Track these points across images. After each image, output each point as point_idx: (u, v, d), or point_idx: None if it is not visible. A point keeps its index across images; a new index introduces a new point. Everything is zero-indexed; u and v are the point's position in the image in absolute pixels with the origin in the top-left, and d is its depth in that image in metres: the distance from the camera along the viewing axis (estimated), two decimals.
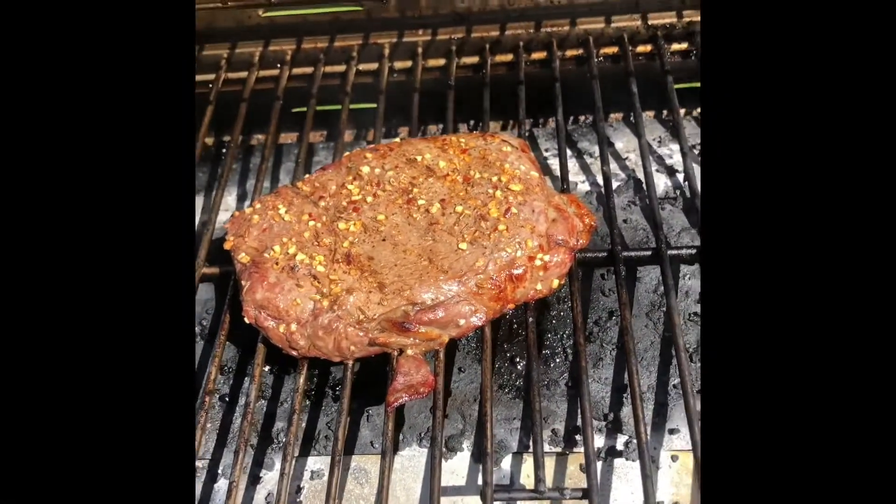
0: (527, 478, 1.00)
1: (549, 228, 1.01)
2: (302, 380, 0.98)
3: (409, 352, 0.97)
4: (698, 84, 1.36)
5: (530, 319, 1.00)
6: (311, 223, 1.04)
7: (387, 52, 1.43)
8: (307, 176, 1.14)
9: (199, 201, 1.38)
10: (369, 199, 1.07)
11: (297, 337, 0.96)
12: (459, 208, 1.04)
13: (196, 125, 1.37)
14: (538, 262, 0.99)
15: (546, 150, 1.39)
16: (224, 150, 1.49)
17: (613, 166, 1.30)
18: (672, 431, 1.00)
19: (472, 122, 1.55)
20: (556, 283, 1.01)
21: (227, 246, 1.05)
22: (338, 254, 1.01)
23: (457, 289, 0.97)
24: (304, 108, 1.36)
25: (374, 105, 1.36)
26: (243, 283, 1.00)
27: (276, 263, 1.00)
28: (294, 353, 0.98)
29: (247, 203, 1.37)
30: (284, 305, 0.97)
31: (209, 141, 1.50)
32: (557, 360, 1.08)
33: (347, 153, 1.16)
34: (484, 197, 1.04)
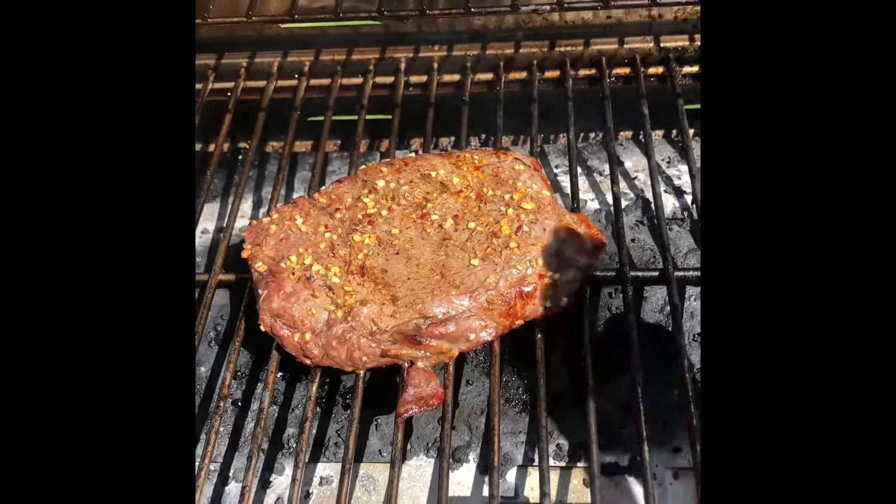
0: (531, 490, 1.02)
1: (559, 247, 1.04)
2: (314, 388, 1.00)
3: (420, 364, 0.99)
4: None
5: (538, 335, 1.03)
6: (327, 234, 1.07)
7: (403, 66, 1.46)
8: (323, 188, 1.17)
9: (216, 207, 1.41)
10: (384, 212, 1.09)
11: (312, 346, 0.99)
12: (472, 224, 1.06)
13: (214, 133, 1.40)
14: (548, 280, 1.02)
15: (556, 167, 1.42)
16: (240, 157, 1.52)
17: (622, 185, 1.33)
18: (676, 450, 1.03)
19: (482, 136, 1.57)
20: (564, 300, 1.04)
21: (244, 254, 1.07)
22: (352, 266, 1.03)
23: (468, 304, 0.99)
24: (320, 118, 1.39)
25: (389, 116, 1.39)
26: (260, 291, 1.02)
27: (293, 273, 1.02)
28: (308, 361, 1.00)
29: (262, 210, 1.39)
30: (300, 315, 0.99)
31: (224, 147, 1.52)
32: (563, 376, 1.10)
33: (363, 166, 1.18)
34: (496, 214, 1.07)
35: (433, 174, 1.13)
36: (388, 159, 1.21)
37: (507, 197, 1.09)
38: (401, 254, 1.05)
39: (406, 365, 1.00)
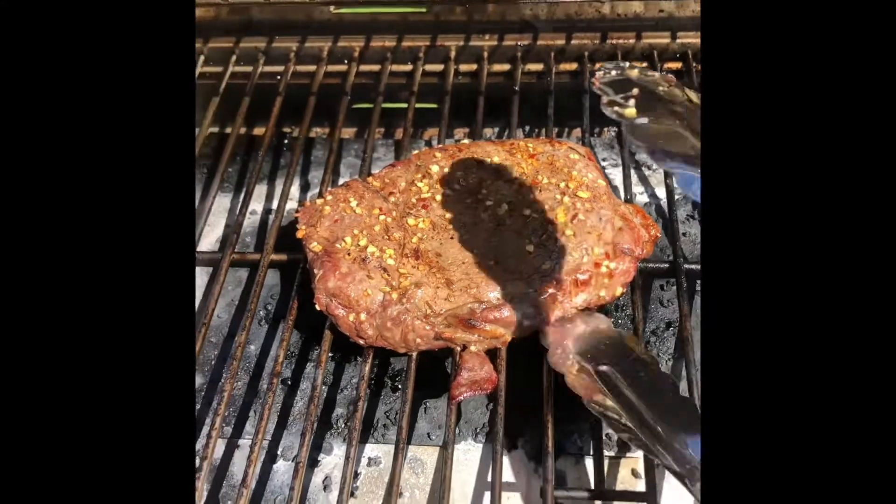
0: (578, 479, 1.02)
1: (615, 237, 1.03)
2: (367, 368, 1.01)
3: (473, 348, 0.99)
4: None
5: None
6: (382, 217, 1.07)
7: (453, 54, 1.46)
8: (376, 172, 1.17)
9: (263, 189, 1.41)
10: (438, 197, 1.09)
11: (366, 326, 0.99)
12: (527, 211, 1.06)
13: (262, 116, 1.41)
14: (604, 269, 1.01)
15: (603, 160, 1.41)
16: (286, 141, 1.52)
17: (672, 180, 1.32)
18: None
19: (527, 128, 1.57)
20: (619, 290, 1.03)
21: (299, 234, 1.08)
22: (407, 248, 1.03)
23: (522, 289, 0.99)
24: (367, 105, 1.40)
25: (435, 105, 1.39)
26: (316, 271, 1.03)
27: (348, 254, 1.03)
28: (361, 341, 1.01)
29: (309, 193, 1.40)
30: (355, 295, 0.99)
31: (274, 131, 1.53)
32: None
33: (416, 152, 1.19)
34: (551, 202, 1.07)
35: (487, 161, 1.13)
36: (441, 145, 1.21)
37: (562, 185, 1.09)
38: (455, 238, 1.05)
39: (459, 349, 1.00)
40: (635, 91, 0.92)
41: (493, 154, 1.14)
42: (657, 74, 0.95)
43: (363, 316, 0.99)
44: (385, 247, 1.03)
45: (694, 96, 0.90)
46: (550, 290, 0.99)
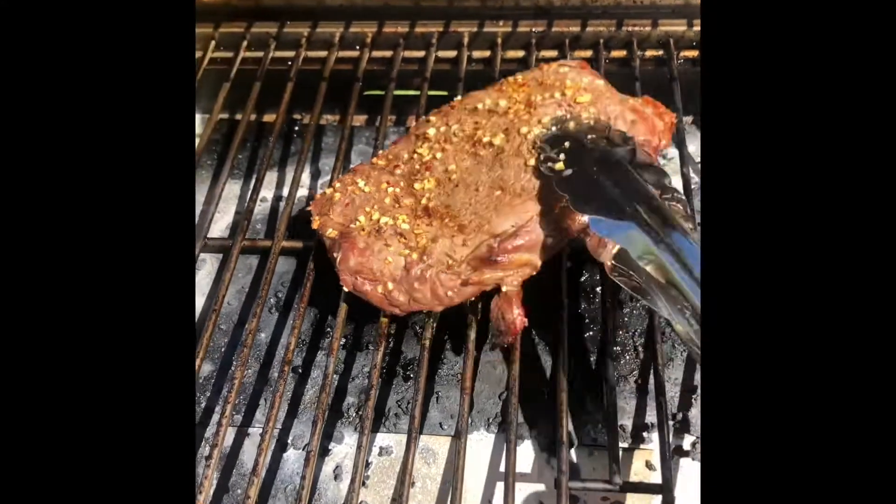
0: (592, 471, 1.00)
1: (629, 131, 1.00)
2: (380, 356, 0.99)
3: (506, 288, 0.96)
4: None
5: (603, 314, 1.01)
6: (391, 189, 1.05)
7: (466, 40, 1.44)
8: (380, 152, 1.16)
9: (273, 176, 1.40)
10: (439, 154, 1.07)
11: (396, 294, 0.97)
12: (524, 129, 1.03)
13: (271, 103, 1.39)
14: None
15: None
16: (296, 128, 1.51)
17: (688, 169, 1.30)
18: None
19: None
20: None
21: (314, 226, 1.06)
22: (418, 211, 1.01)
23: (532, 209, 0.96)
24: (378, 92, 1.38)
25: (446, 93, 1.38)
26: (335, 255, 1.01)
27: (363, 230, 1.01)
28: (396, 310, 0.99)
29: (320, 181, 1.39)
30: (378, 266, 0.98)
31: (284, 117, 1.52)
32: (628, 357, 1.09)
33: (414, 124, 1.17)
34: (551, 116, 1.04)
35: (479, 106, 1.11)
36: (435, 109, 1.18)
37: (558, 96, 1.06)
38: (460, 185, 1.02)
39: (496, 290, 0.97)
40: (566, 144, 1.00)
41: (484, 97, 1.12)
42: (591, 122, 1.03)
43: (390, 285, 0.97)
44: (397, 214, 1.01)
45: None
46: (564, 204, 0.95)
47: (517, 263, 0.96)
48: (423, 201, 1.02)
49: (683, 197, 0.93)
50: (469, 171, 1.03)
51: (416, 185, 1.04)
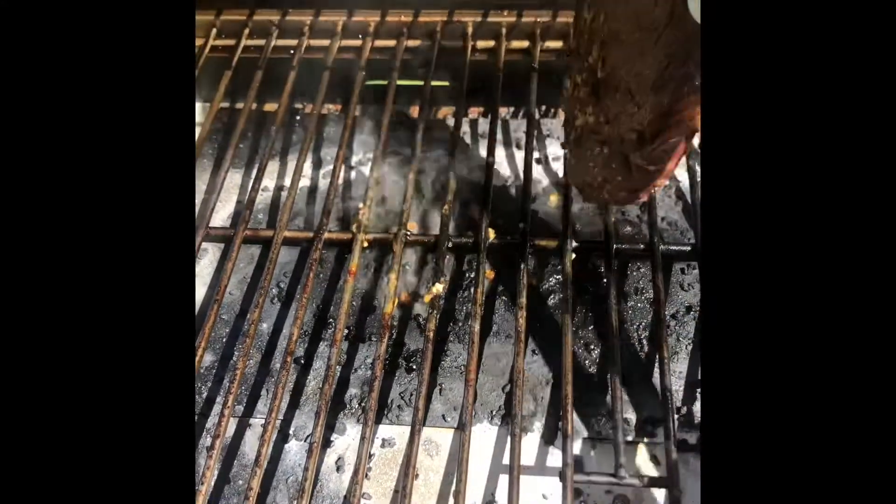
0: (597, 464, 1.00)
1: None
2: (383, 348, 0.99)
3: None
4: None
5: (612, 307, 1.00)
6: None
7: (470, 30, 1.43)
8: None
9: (275, 166, 1.39)
10: (582, 94, 0.96)
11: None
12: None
13: (272, 92, 1.38)
14: None
15: None
16: (298, 118, 1.50)
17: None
18: None
19: (543, 108, 1.54)
20: None
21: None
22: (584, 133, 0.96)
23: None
24: (381, 82, 1.36)
25: (447, 83, 1.37)
26: None
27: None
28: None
29: (321, 171, 1.37)
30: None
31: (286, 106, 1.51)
32: (633, 351, 1.08)
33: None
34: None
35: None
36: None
37: None
38: (607, 97, 0.91)
39: None
40: None
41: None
42: None
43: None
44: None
45: None
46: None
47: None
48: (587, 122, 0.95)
49: None
50: (607, 85, 0.91)
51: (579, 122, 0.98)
